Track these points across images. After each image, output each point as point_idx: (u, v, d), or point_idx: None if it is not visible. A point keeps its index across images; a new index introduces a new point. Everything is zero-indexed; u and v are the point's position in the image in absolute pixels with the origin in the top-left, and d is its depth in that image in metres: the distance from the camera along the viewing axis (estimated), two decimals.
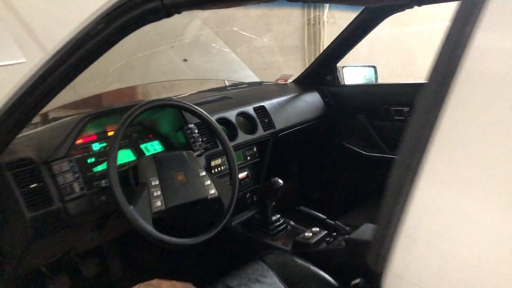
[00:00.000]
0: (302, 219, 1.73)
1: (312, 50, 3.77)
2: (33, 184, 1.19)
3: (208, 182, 1.36)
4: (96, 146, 1.47)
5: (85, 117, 1.35)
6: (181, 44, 2.34)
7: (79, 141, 1.40)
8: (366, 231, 1.20)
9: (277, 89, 2.18)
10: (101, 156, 1.45)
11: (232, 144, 1.67)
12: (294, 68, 3.56)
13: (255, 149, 1.91)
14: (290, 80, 2.36)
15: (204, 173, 1.36)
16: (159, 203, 1.23)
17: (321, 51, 2.65)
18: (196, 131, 1.59)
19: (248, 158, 1.89)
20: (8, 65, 1.76)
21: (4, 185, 1.16)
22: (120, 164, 1.47)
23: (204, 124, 1.51)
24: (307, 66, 2.29)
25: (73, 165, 1.28)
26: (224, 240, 1.73)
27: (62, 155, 1.27)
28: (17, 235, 1.19)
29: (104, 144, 1.48)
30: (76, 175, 1.27)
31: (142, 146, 1.59)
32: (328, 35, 3.76)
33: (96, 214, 1.33)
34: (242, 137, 1.79)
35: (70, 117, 1.41)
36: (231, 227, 1.77)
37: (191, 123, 1.58)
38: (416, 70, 4.33)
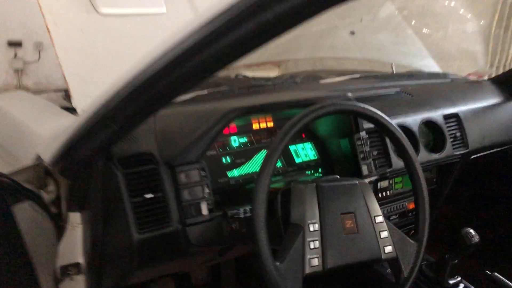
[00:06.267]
0: None
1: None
2: (148, 193, 0.86)
3: (385, 234, 0.91)
4: (235, 141, 1.10)
5: (236, 110, 0.97)
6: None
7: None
8: None
9: (470, 90, 1.61)
10: (240, 157, 1.08)
11: None
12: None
13: (433, 172, 1.41)
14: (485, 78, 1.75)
15: (381, 218, 0.92)
16: (315, 261, 0.83)
17: None
18: (369, 142, 1.14)
19: None
20: (145, 14, 1.39)
21: (112, 189, 0.84)
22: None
23: (388, 136, 1.03)
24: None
25: (205, 176, 0.92)
26: None
27: (193, 159, 0.91)
28: (118, 262, 0.89)
29: (245, 140, 1.11)
30: (206, 191, 0.91)
31: (291, 148, 1.19)
32: None
33: (221, 244, 0.97)
34: (424, 155, 1.31)
35: (212, 102, 1.04)
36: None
37: (363, 130, 1.14)
38: None
